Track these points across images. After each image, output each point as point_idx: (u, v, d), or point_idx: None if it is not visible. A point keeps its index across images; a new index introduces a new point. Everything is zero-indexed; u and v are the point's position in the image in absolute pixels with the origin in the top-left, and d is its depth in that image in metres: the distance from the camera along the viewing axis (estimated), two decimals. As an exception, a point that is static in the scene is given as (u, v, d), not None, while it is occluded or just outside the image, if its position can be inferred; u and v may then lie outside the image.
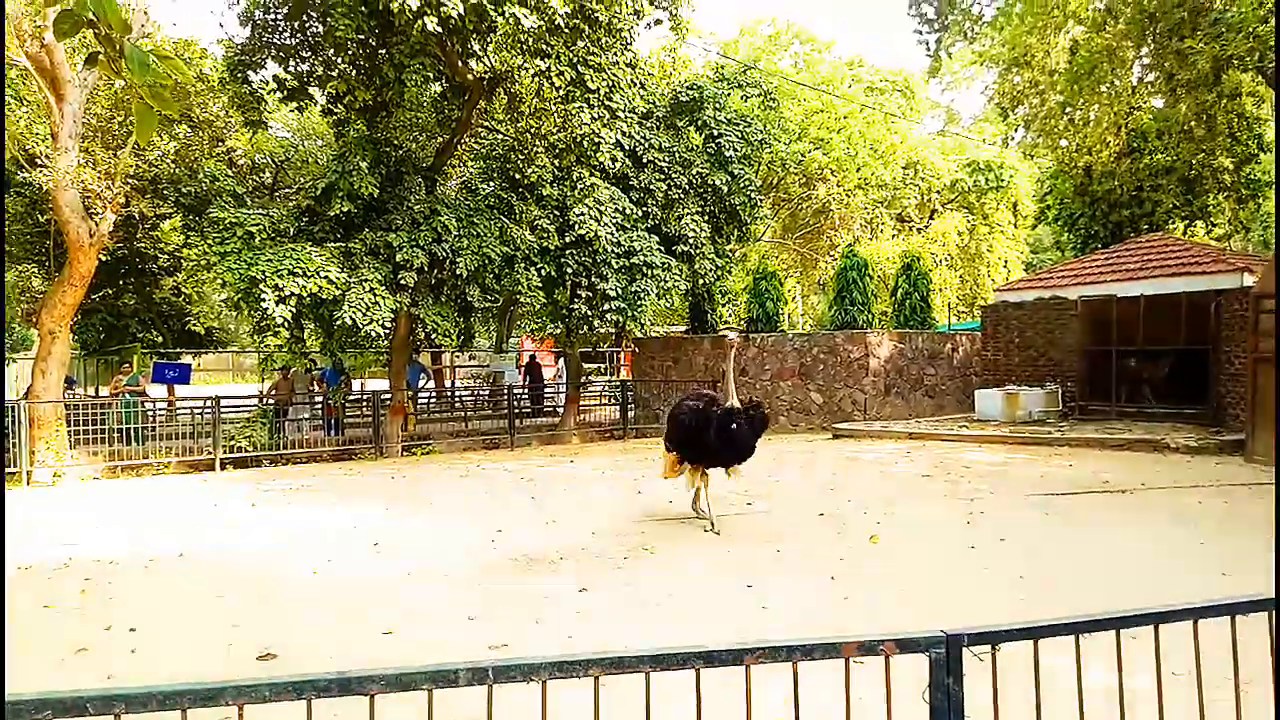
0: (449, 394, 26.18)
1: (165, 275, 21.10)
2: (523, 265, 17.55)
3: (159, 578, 7.91)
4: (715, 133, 19.74)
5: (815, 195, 30.25)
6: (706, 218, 19.85)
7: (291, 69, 17.16)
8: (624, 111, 17.16)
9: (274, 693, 2.07)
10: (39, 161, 14.84)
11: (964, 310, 35.15)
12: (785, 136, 27.04)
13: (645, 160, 18.88)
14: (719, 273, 20.62)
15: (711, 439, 8.79)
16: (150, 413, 17.66)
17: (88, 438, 15.43)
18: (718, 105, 19.82)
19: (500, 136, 19.65)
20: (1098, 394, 18.26)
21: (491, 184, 18.75)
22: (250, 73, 16.82)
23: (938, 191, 34.02)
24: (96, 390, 21.28)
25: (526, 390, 23.36)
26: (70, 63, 14.68)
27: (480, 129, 19.84)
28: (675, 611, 6.34)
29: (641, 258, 17.98)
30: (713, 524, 9.01)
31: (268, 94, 17.37)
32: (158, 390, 21.25)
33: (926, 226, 34.96)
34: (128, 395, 17.18)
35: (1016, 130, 26.29)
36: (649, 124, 19.36)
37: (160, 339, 22.14)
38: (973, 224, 35.01)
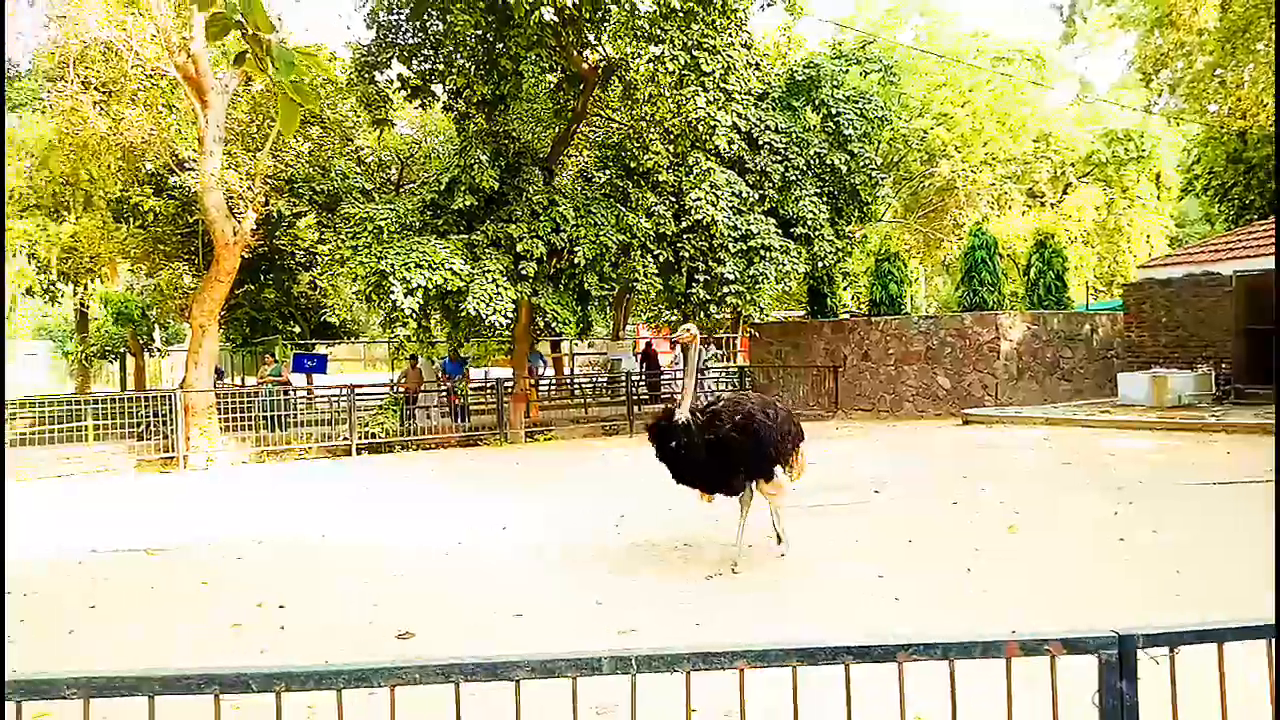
0: (568, 381, 26.59)
1: (302, 270, 22.21)
2: (639, 252, 17.59)
3: (303, 557, 8.32)
4: (833, 111, 19.23)
5: (938, 173, 29.12)
6: (825, 199, 19.38)
7: (414, 67, 17.70)
8: (739, 94, 16.92)
9: (423, 675, 2.10)
10: (187, 165, 15.82)
11: (1101, 290, 33.17)
12: (906, 113, 26.13)
13: (761, 142, 18.58)
14: (838, 255, 20.11)
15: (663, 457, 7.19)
16: (292, 401, 18.66)
17: (236, 425, 16.43)
18: (835, 83, 19.30)
19: (615, 124, 19.74)
20: (1256, 377, 16.87)
21: (607, 172, 18.85)
22: (376, 73, 17.45)
23: (1072, 164, 32.17)
24: (243, 380, 22.64)
25: (644, 377, 23.46)
26: (213, 71, 15.57)
27: (595, 117, 19.98)
28: (803, 602, 6.21)
29: (759, 241, 17.73)
30: (734, 564, 7.13)
31: (392, 93, 17.99)
32: (298, 380, 22.42)
33: (1060, 202, 33.13)
34: (271, 385, 18.20)
35: (1160, 96, 24.56)
36: (764, 105, 19.03)
37: (298, 331, 23.34)
38: (1111, 197, 32.94)
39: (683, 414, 6.95)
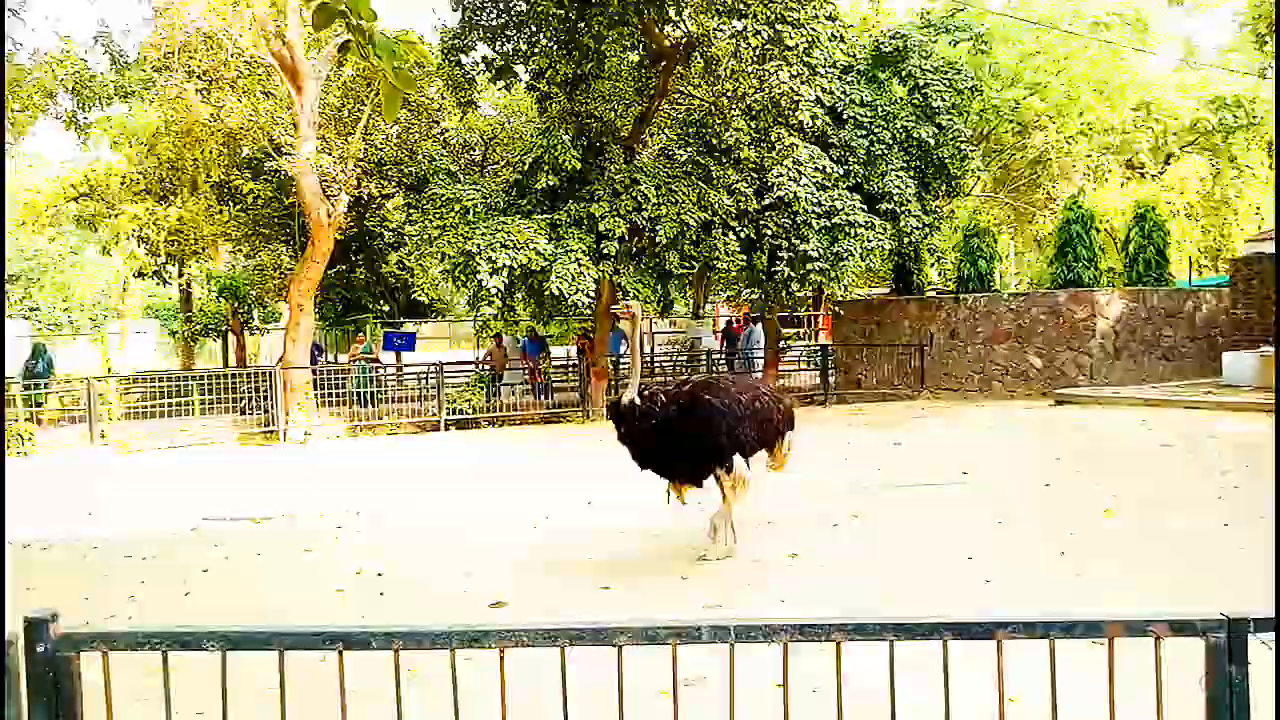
0: (649, 360, 26.72)
1: (390, 250, 22.82)
2: (720, 230, 17.53)
3: (397, 527, 8.66)
4: (921, 83, 18.73)
5: (1031, 144, 28.06)
6: (912, 173, 18.94)
7: (498, 48, 17.93)
8: (823, 67, 16.64)
9: (532, 639, 2.21)
10: (284, 150, 16.41)
11: (1206, 265, 31.58)
12: (997, 83, 25.24)
13: (846, 116, 18.24)
14: (925, 231, 19.63)
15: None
16: (382, 378, 19.28)
17: (331, 400, 17.08)
18: (923, 54, 18.78)
19: (697, 101, 19.62)
20: (1376, 356, 15.90)
21: (689, 149, 18.78)
22: (461, 55, 17.74)
23: (1174, 133, 30.60)
24: (335, 358, 23.46)
25: (724, 355, 23.42)
26: (306, 58, 16.07)
27: (676, 95, 19.89)
28: (889, 581, 6.18)
29: (843, 217, 17.46)
30: (712, 554, 6.80)
31: (477, 75, 18.27)
32: (388, 357, 23.13)
33: (1161, 173, 31.58)
34: (363, 362, 18.84)
35: (1274, 59, 23.13)
36: (849, 78, 18.66)
37: (388, 309, 24.05)
38: (1217, 168, 31.25)
39: (629, 395, 6.62)
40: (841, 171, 18.00)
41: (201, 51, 17.01)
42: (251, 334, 24.33)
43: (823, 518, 8.10)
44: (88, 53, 19.71)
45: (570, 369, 21.03)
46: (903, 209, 18.63)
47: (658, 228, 16.57)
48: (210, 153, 18.67)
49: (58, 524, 8.72)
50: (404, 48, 3.93)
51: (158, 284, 28.67)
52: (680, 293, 26.87)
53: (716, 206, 17.20)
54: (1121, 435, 12.62)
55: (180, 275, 25.74)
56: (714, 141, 17.88)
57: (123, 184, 20.45)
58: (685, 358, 25.01)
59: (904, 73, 18.94)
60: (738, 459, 6.62)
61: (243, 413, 16.33)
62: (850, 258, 17.61)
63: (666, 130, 20.71)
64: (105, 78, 18.87)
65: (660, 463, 6.80)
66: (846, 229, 17.55)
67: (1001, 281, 26.58)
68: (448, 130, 21.48)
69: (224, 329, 22.19)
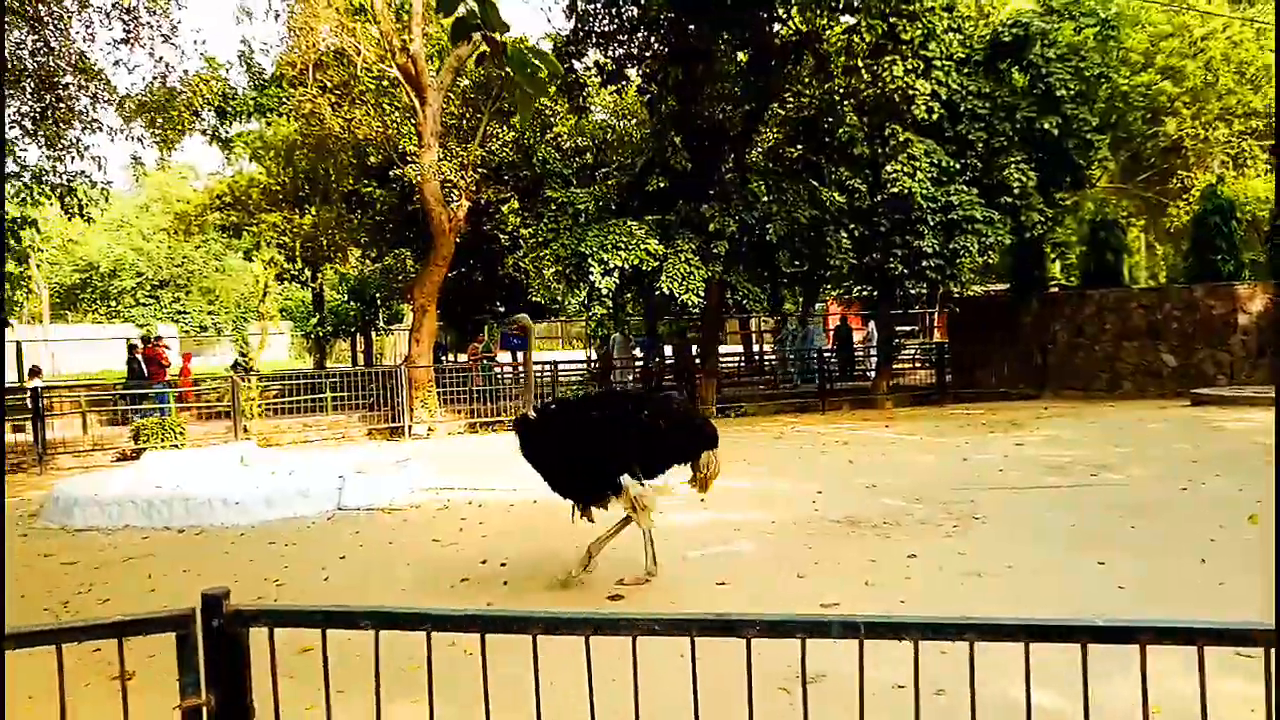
0: (758, 359, 26.58)
1: (507, 253, 23.44)
2: (832, 228, 17.31)
3: (519, 519, 8.94)
4: (1043, 72, 17.98)
5: (1164, 131, 26.53)
6: (1033, 165, 18.21)
7: (610, 53, 18.20)
8: (940, 60, 16.22)
9: (663, 627, 2.29)
10: (408, 158, 17.12)
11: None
12: (1126, 68, 23.97)
13: (963, 110, 17.70)
14: (1048, 224, 18.85)
15: None
16: (500, 376, 19.87)
17: (452, 398, 17.73)
18: (1046, 42, 18.02)
19: (807, 99, 19.41)
20: None
21: (799, 147, 18.64)
22: (574, 61, 18.09)
23: (1328, 114, 28.34)
24: (455, 357, 24.29)
25: (836, 354, 23.10)
26: (429, 69, 16.73)
27: (786, 93, 19.74)
28: (1014, 584, 6.02)
29: (960, 213, 16.96)
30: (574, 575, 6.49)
31: (589, 80, 18.59)
32: (504, 356, 23.81)
33: (1313, 157, 29.30)
34: (482, 361, 19.46)
35: None
36: (966, 70, 18.10)
37: (504, 310, 24.72)
38: (1377, 150, 28.76)
39: (526, 410, 6.48)
40: (959, 166, 17.49)
41: (333, 67, 17.95)
42: (378, 334, 25.46)
43: (943, 518, 7.94)
44: (229, 70, 21.11)
45: (676, 368, 21.11)
46: (1023, 203, 17.95)
47: (768, 226, 16.50)
48: (341, 163, 19.68)
49: (209, 512, 9.38)
50: (536, 58, 4.11)
51: (293, 288, 30.38)
52: (790, 291, 26.65)
53: (828, 204, 17.00)
54: (1266, 437, 11.83)
55: (314, 279, 27.23)
56: (825, 139, 17.68)
57: (262, 194, 21.78)
58: (795, 357, 24.77)
59: (1025, 62, 18.22)
60: (626, 479, 6.12)
61: (371, 409, 17.12)
62: (968, 254, 17.10)
63: (776, 129, 20.58)
64: (246, 95, 20.16)
65: (552, 479, 6.50)
66: (964, 225, 17.05)
67: (1131, 276, 25.25)
68: (560, 135, 21.92)
69: (353, 330, 23.31)
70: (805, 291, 26.50)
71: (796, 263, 18.83)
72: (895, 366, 21.52)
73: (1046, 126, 17.87)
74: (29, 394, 14.78)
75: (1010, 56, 18.41)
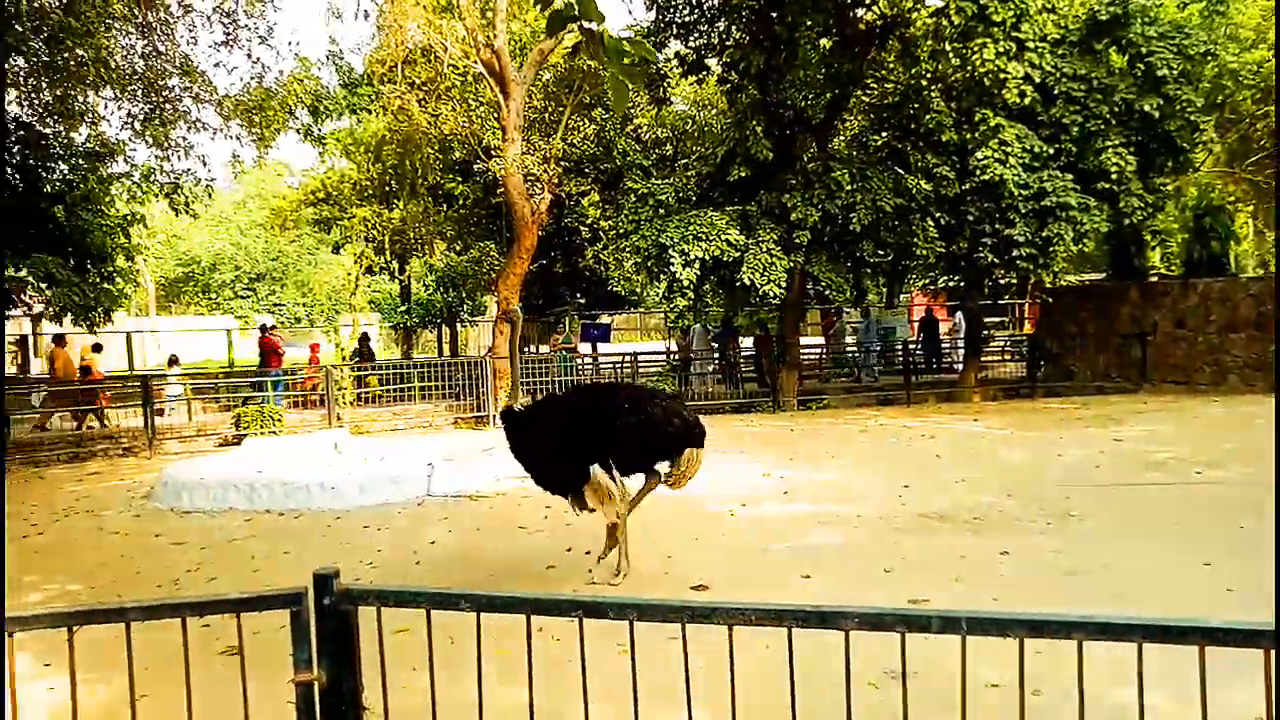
0: (840, 350, 26.19)
1: (587, 245, 23.68)
2: (918, 216, 16.93)
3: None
4: (1143, 51, 17.17)
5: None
6: (1132, 149, 17.43)
7: (690, 43, 18.15)
8: (1033, 41, 15.67)
9: (759, 617, 2.30)
10: (492, 152, 17.42)
11: None
12: (1235, 46, 22.73)
13: (1057, 92, 17.04)
14: (1148, 211, 18.03)
15: None
16: (580, 367, 20.09)
17: (534, 388, 17.98)
18: (1147, 19, 17.20)
19: (892, 84, 18.99)
20: None
21: (884, 134, 18.26)
22: (657, 51, 18.11)
23: None
24: (537, 348, 24.66)
25: (921, 346, 22.61)
26: (513, 63, 16.97)
27: (870, 79, 19.37)
28: (1114, 584, 5.81)
29: (1054, 199, 16.37)
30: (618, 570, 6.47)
31: (670, 70, 18.58)
32: (584, 348, 24.05)
33: None
34: (563, 352, 19.70)
35: None
36: (1061, 51, 17.43)
37: (584, 302, 25.00)
38: None
39: (513, 403, 6.52)
40: (1052, 151, 16.87)
41: (420, 64, 18.39)
42: (462, 325, 26.03)
43: (1036, 515, 7.72)
44: (320, 69, 21.82)
45: (758, 359, 20.98)
46: (1122, 188, 17.22)
47: (851, 216, 16.24)
48: (427, 158, 20.16)
49: (307, 497, 9.75)
50: (633, 47, 4.13)
51: (381, 280, 31.31)
52: (873, 282, 26.16)
53: (914, 192, 16.63)
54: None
55: (401, 272, 27.97)
56: (911, 125, 17.29)
57: (353, 189, 22.48)
58: (879, 349, 24.35)
59: (1124, 41, 17.43)
60: (596, 470, 6.09)
61: (456, 399, 17.51)
62: (1061, 242, 16.50)
63: (860, 116, 20.22)
64: (337, 93, 20.83)
65: (533, 472, 6.54)
66: (1057, 212, 16.46)
67: (1238, 264, 23.99)
68: (640, 127, 21.99)
69: (439, 321, 23.88)
70: (889, 282, 25.98)
71: (880, 252, 18.47)
72: (984, 359, 20.95)
73: (1147, 108, 17.09)
74: (140, 381, 15.59)
75: (1108, 36, 17.65)
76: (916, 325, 25.66)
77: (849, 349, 24.14)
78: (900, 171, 16.97)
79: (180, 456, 14.26)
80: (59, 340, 17.53)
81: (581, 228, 22.61)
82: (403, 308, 26.03)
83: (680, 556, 7.01)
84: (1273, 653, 1.94)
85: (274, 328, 21.40)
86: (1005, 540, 6.91)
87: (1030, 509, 7.97)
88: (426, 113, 18.58)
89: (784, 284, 16.19)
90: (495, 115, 17.92)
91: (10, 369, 23.98)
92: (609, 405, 6.34)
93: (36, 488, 12.02)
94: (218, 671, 4.61)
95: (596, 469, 6.09)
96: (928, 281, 27.49)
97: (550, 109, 19.95)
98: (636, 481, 6.56)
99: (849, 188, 16.19)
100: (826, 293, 18.08)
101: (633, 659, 2.45)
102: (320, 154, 23.97)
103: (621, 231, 16.99)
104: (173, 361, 19.24)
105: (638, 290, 28.86)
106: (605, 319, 26.39)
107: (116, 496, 11.00)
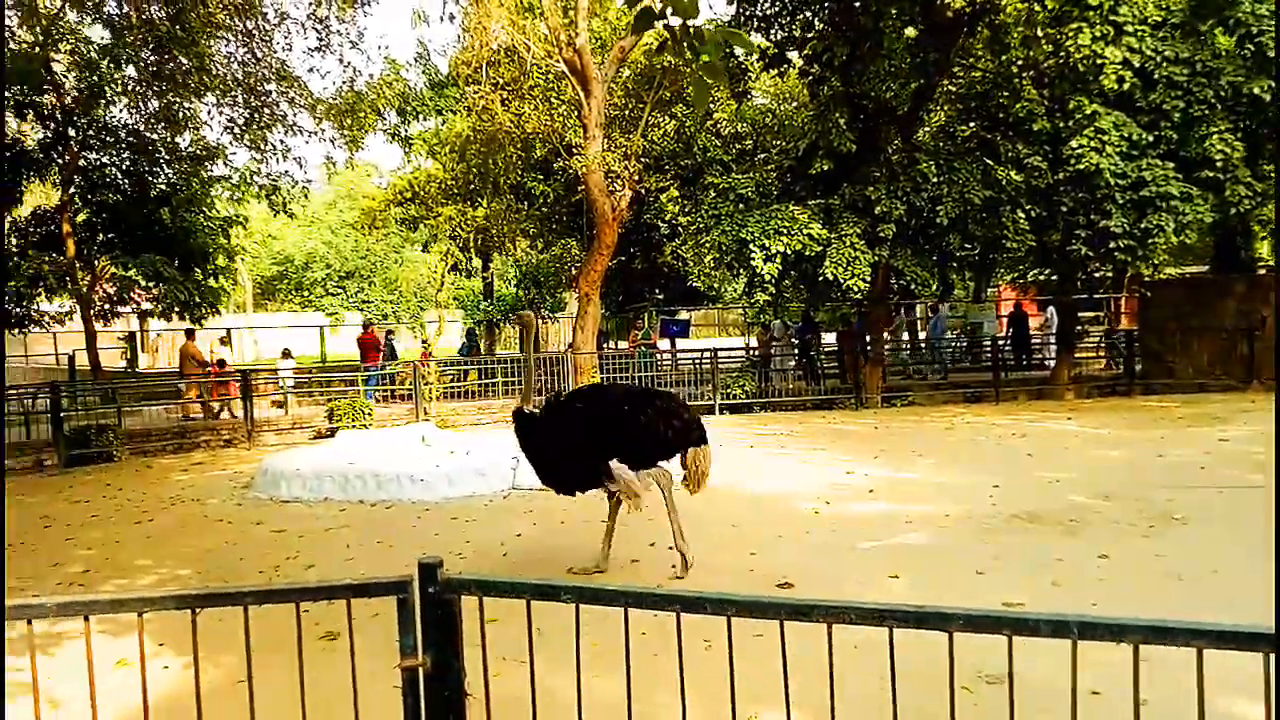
0: (924, 346, 25.66)
1: (666, 241, 23.73)
2: (1008, 208, 16.43)
3: (685, 504, 8.95)
4: (1253, 31, 16.28)
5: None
6: (1240, 135, 16.57)
7: (771, 37, 17.97)
8: (1132, 24, 15.04)
9: (859, 616, 2.28)
10: (573, 150, 17.58)
11: None
12: (1356, 21, 21.35)
13: (1157, 77, 16.30)
14: (1257, 200, 17.12)
15: None
16: (659, 363, 20.15)
17: (616, 383, 18.13)
18: (1258, -4, 16.32)
19: (980, 73, 18.48)
20: None
21: (972, 125, 17.79)
22: (735, 46, 17.98)
23: None
24: (616, 344, 24.83)
25: (1010, 342, 21.95)
26: (595, 61, 17.10)
27: (957, 69, 18.87)
28: (1223, 591, 5.57)
29: (1153, 189, 15.68)
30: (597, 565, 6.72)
31: (750, 65, 18.44)
32: (663, 343, 24.11)
33: None
34: (642, 348, 19.79)
35: None
36: (1162, 34, 16.68)
37: (663, 298, 25.04)
38: None
39: (527, 404, 6.68)
40: (1152, 138, 16.16)
41: (504, 64, 18.69)
42: (543, 321, 26.40)
43: (1136, 518, 7.44)
44: (408, 71, 22.38)
45: (841, 355, 20.69)
46: (1228, 177, 16.38)
47: (938, 208, 15.87)
48: (510, 157, 20.50)
49: (398, 488, 10.03)
50: (731, 38, 4.13)
51: (465, 277, 31.97)
52: (959, 276, 25.54)
53: (1004, 183, 16.15)
54: None
55: (484, 269, 28.50)
56: (1001, 114, 16.80)
57: (438, 188, 23.01)
58: (965, 344, 23.75)
59: (1232, 21, 16.56)
60: (615, 464, 6.33)
61: (538, 394, 17.76)
62: (1161, 233, 15.79)
63: (947, 106, 19.73)
64: (424, 94, 21.33)
65: (542, 471, 6.75)
66: (1157, 202, 15.76)
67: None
68: (720, 122, 21.89)
69: (488, 320, 24.26)
70: (976, 276, 25.33)
71: (967, 246, 18.01)
72: (1077, 355, 20.23)
73: (1256, 91, 16.21)
74: (239, 375, 16.29)
75: (1213, 16, 16.81)
76: (1005, 320, 24.95)
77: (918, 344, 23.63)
78: (989, 162, 16.50)
79: (277, 448, 14.83)
80: (190, 334, 18.59)
81: (660, 224, 22.66)
82: (485, 304, 26.54)
83: (764, 554, 6.99)
84: (1271, 655, 1.88)
85: (373, 325, 22.28)
86: (1104, 543, 6.68)
87: (1130, 511, 7.68)
88: (509, 112, 18.88)
89: (867, 278, 15.93)
90: (576, 113, 18.10)
91: (119, 363, 25.29)
92: (611, 407, 6.51)
93: (146, 476, 12.67)
94: (315, 656, 4.80)
95: (617, 464, 6.32)
96: (1017, 275, 26.71)
97: (630, 106, 20.03)
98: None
99: (935, 180, 15.83)
100: (911, 287, 17.74)
101: (730, 655, 2.46)
102: (406, 154, 24.60)
103: (701, 227, 16.95)
104: (286, 354, 20.09)
105: (716, 286, 28.77)
106: (684, 315, 26.39)
107: (219, 485, 11.51)
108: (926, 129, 19.40)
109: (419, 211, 24.11)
